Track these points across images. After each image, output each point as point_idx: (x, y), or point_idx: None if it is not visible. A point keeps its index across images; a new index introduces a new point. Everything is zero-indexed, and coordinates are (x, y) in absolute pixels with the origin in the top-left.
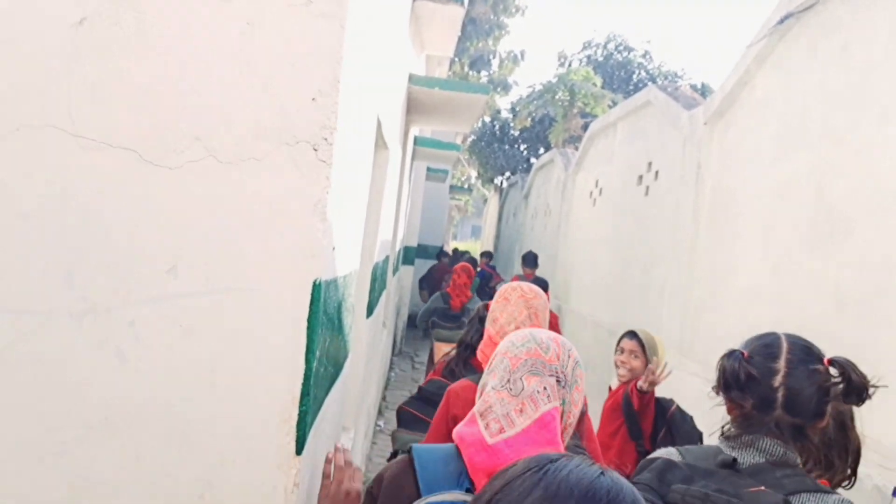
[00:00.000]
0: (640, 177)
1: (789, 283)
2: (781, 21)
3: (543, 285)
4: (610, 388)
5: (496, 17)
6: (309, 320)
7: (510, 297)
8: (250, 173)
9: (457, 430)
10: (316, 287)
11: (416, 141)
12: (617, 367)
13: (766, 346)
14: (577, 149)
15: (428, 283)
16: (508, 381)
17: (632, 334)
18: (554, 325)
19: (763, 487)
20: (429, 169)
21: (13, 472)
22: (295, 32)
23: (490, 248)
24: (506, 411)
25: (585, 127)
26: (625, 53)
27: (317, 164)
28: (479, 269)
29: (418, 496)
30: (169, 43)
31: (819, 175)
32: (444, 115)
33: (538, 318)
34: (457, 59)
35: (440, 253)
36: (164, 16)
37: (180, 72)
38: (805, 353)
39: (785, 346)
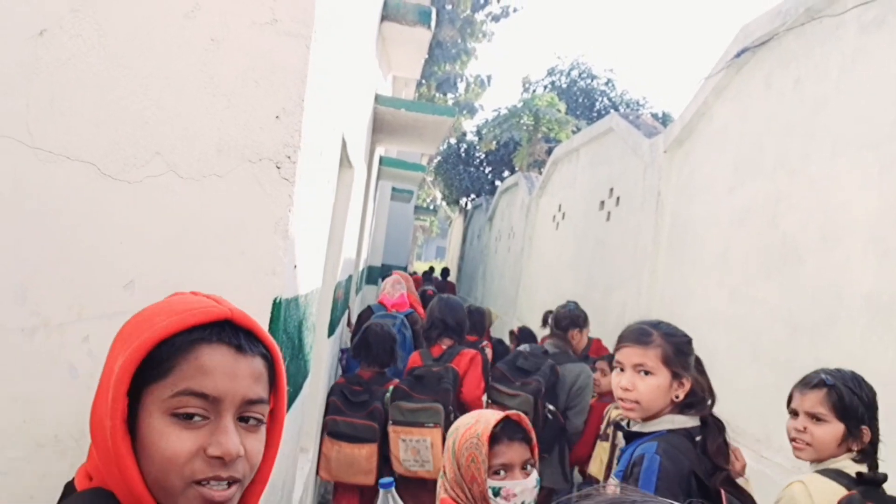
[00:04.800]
0: (602, 202)
1: (745, 309)
2: (738, 54)
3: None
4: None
5: (463, 41)
6: None
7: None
8: (212, 190)
9: (382, 298)
10: (276, 305)
11: (382, 161)
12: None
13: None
14: (541, 173)
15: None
16: (393, 286)
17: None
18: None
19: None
20: (394, 189)
21: None
22: (260, 50)
23: (454, 268)
24: (394, 293)
25: (549, 151)
26: (588, 81)
27: (280, 181)
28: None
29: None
30: (131, 57)
31: (773, 204)
32: (410, 136)
33: (397, 281)
34: (424, 82)
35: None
36: (126, 30)
37: (142, 86)
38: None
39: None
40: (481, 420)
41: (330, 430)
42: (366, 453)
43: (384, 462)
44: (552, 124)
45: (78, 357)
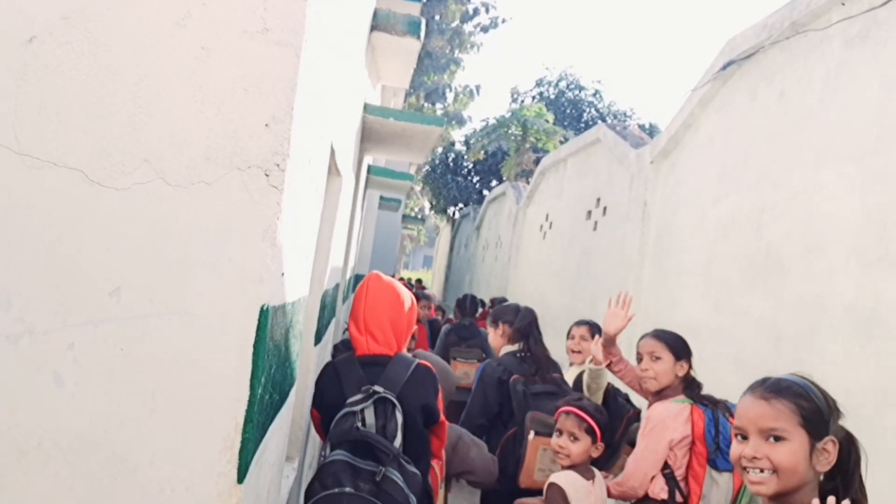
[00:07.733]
0: (589, 212)
1: (729, 319)
2: (724, 67)
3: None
4: None
5: (452, 52)
6: (255, 346)
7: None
8: (200, 197)
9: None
10: (263, 312)
11: (370, 170)
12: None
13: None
14: (528, 183)
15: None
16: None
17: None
18: None
19: None
20: (382, 198)
21: None
22: (250, 59)
23: (441, 276)
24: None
25: (537, 161)
26: (576, 92)
27: (268, 189)
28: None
29: None
30: (121, 64)
31: (758, 216)
32: (398, 145)
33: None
34: (412, 91)
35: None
36: (116, 37)
37: (131, 93)
38: None
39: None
40: None
41: None
42: None
43: None
44: (540, 134)
45: (62, 364)
